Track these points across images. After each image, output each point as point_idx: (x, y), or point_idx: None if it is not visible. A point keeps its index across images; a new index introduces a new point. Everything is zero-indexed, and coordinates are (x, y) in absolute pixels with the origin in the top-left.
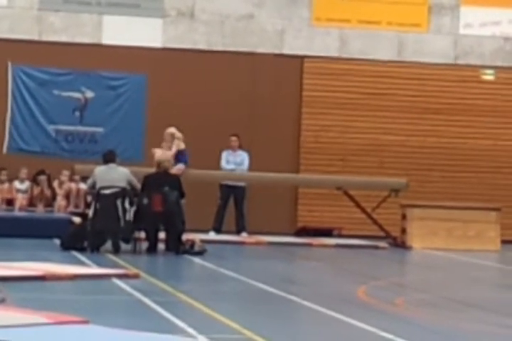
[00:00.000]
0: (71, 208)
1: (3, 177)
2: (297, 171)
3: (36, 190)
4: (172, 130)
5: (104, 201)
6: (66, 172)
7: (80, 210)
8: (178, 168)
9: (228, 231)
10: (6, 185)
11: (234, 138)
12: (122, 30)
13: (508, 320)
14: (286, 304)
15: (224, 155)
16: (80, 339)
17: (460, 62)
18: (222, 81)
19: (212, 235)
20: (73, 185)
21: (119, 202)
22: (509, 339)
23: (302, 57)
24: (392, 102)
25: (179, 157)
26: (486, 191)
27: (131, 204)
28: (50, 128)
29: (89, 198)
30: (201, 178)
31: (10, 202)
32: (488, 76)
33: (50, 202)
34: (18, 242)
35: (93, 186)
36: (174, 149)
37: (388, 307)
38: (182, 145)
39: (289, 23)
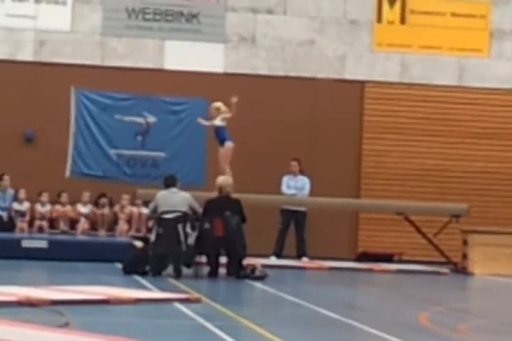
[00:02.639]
0: (133, 232)
1: (64, 200)
2: (358, 196)
3: (98, 214)
4: (217, 104)
5: (166, 225)
6: (126, 197)
7: (141, 234)
8: (228, 147)
9: (289, 256)
10: (69, 209)
11: (295, 163)
12: (184, 56)
13: None
14: (347, 329)
15: (285, 179)
16: None
17: None
18: (283, 106)
19: (273, 260)
20: (135, 209)
21: (180, 227)
22: None
23: (363, 83)
24: (453, 127)
25: (220, 134)
26: None
27: (192, 228)
28: (112, 152)
29: (150, 222)
30: (262, 203)
31: (73, 223)
32: None
33: (111, 226)
34: (80, 266)
35: (155, 210)
36: (218, 120)
37: (450, 333)
38: (227, 115)
39: (349, 49)
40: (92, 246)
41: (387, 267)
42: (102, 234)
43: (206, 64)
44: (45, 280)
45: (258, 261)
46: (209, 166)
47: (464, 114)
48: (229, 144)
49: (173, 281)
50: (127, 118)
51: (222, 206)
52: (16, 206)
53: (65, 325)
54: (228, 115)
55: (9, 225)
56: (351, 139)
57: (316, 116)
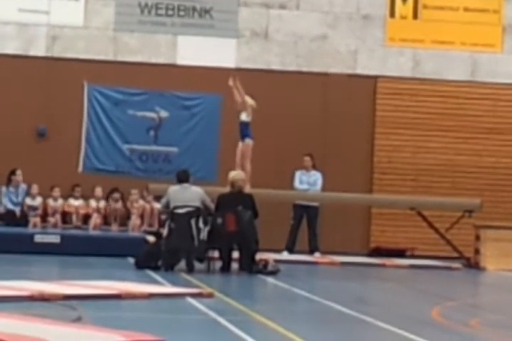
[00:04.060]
0: (145, 227)
1: (77, 194)
2: (370, 191)
3: (110, 209)
4: (251, 101)
5: (179, 220)
6: (135, 191)
7: (154, 229)
8: (246, 144)
9: (301, 251)
10: (81, 203)
11: (307, 158)
12: (196, 51)
13: None
14: (360, 324)
15: (297, 175)
16: None
17: None
18: (296, 101)
19: (285, 255)
20: (147, 204)
21: (193, 222)
22: None
23: (375, 78)
24: (465, 122)
25: (244, 130)
26: None
27: (205, 223)
28: (125, 147)
29: (163, 217)
30: (274, 198)
31: (86, 218)
32: None
33: (124, 221)
34: (92, 261)
35: (167, 205)
36: (244, 116)
37: (463, 328)
38: (251, 102)
39: (362, 44)
40: (105, 241)
41: (400, 262)
42: (115, 229)
43: (219, 59)
44: (58, 275)
45: (270, 256)
46: (221, 161)
47: (476, 109)
48: (247, 141)
49: (185, 276)
50: (140, 114)
51: (234, 201)
52: (28, 201)
53: (78, 320)
54: (238, 99)
55: (22, 220)
56: (364, 134)
57: (328, 111)
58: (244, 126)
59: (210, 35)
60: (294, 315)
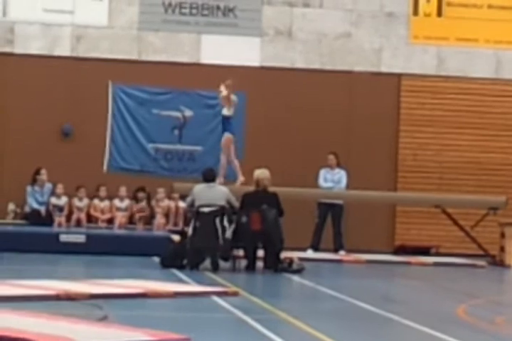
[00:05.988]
0: (170, 226)
1: (103, 194)
2: (395, 189)
3: (136, 208)
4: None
5: (203, 219)
6: (161, 190)
7: (178, 228)
8: (225, 138)
9: (326, 249)
10: (107, 204)
11: (332, 156)
12: (220, 49)
13: None
14: (385, 322)
15: (322, 173)
16: None
17: None
18: (320, 99)
19: (310, 253)
20: (172, 203)
21: (218, 220)
22: None
23: (399, 75)
24: (490, 120)
25: (223, 124)
26: None
27: (230, 222)
28: (150, 146)
29: (189, 216)
30: (299, 196)
31: (110, 220)
32: None
33: (149, 220)
34: (117, 260)
35: (192, 204)
36: (225, 110)
37: (488, 326)
38: (233, 97)
39: (386, 42)
40: (130, 240)
41: (425, 260)
42: (140, 228)
43: (243, 57)
44: (83, 274)
45: (295, 255)
46: (246, 160)
47: (500, 107)
48: (225, 135)
49: (210, 275)
50: (164, 113)
51: (259, 199)
52: (53, 200)
53: (104, 319)
54: (224, 93)
55: (47, 219)
56: (388, 132)
57: (352, 109)
58: (225, 120)
59: (234, 33)
60: (320, 314)
